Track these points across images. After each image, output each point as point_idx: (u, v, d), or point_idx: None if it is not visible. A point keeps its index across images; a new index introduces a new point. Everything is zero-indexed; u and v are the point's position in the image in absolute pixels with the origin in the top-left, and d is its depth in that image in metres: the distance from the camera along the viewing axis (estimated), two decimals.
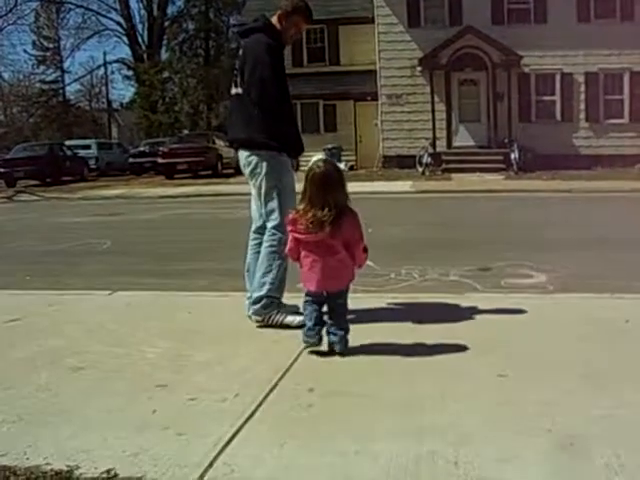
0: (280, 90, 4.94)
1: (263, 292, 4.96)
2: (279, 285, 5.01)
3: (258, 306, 4.97)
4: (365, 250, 4.34)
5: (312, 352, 4.31)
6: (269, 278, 4.96)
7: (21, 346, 4.71)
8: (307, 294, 4.39)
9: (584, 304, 5.40)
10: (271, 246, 4.97)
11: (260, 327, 4.96)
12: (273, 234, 4.97)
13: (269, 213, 5.03)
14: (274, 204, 4.99)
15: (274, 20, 5.14)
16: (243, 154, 5.09)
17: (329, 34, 32.30)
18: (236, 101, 5.14)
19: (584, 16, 26.61)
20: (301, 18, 5.17)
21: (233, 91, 5.16)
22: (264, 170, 4.98)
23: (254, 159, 5.01)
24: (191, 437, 3.15)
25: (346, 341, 4.33)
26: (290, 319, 4.90)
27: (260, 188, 5.04)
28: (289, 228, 4.37)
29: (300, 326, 4.54)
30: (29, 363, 4.32)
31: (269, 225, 5.02)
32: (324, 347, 4.34)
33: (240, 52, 5.20)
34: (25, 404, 3.62)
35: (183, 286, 7.07)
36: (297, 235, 4.30)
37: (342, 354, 4.27)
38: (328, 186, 4.20)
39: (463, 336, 4.56)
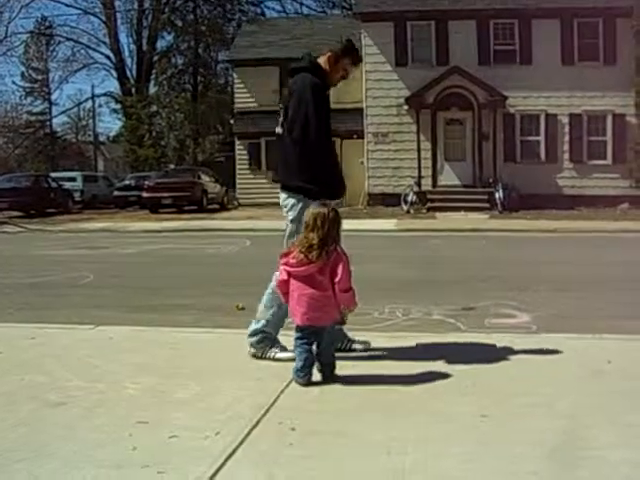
0: (322, 130, 4.95)
1: (259, 326, 5.05)
2: (276, 323, 5.07)
3: (253, 339, 5.07)
4: (346, 291, 4.44)
5: (295, 390, 4.32)
6: (268, 314, 5.05)
7: (1, 380, 4.66)
8: (296, 330, 4.54)
9: (567, 344, 5.40)
10: (274, 292, 5.03)
11: (253, 358, 5.05)
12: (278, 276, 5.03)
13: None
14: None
15: (322, 60, 5.18)
16: (281, 195, 5.14)
17: None
18: (278, 141, 5.21)
19: (568, 59, 27.02)
20: (350, 61, 5.23)
21: (276, 130, 5.21)
22: (293, 215, 5.01)
23: (289, 202, 5.05)
24: (171, 475, 3.12)
25: (330, 373, 4.51)
26: (281, 355, 4.98)
27: (286, 229, 5.09)
28: (282, 261, 4.54)
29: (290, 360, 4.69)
30: (9, 397, 4.28)
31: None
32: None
33: (286, 91, 5.24)
34: (2, 440, 3.57)
35: (166, 321, 7.03)
36: (288, 268, 4.49)
37: (327, 382, 4.44)
38: (323, 220, 4.43)
39: (446, 376, 4.57)
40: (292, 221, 5.00)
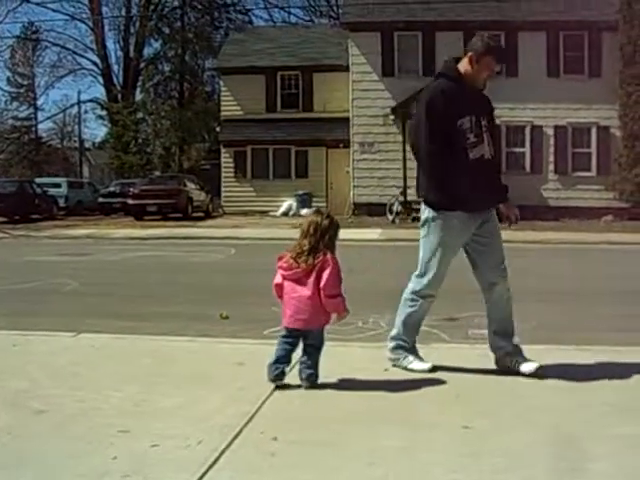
0: (440, 145, 4.83)
1: (393, 334, 5.13)
2: (407, 331, 5.09)
3: (390, 345, 5.13)
4: (332, 297, 4.47)
5: (277, 399, 4.30)
6: (398, 322, 5.12)
7: None
8: (284, 330, 4.60)
9: (550, 356, 5.41)
10: (405, 299, 5.17)
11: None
12: (412, 292, 5.16)
13: (418, 270, 5.15)
14: (420, 264, 5.14)
15: (464, 62, 5.01)
16: (420, 207, 5.19)
17: (303, 80, 32.73)
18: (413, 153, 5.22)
19: (554, 71, 27.24)
20: (493, 59, 5.03)
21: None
22: (425, 229, 5.07)
23: (422, 216, 5.12)
24: None
25: (313, 381, 4.51)
26: (414, 366, 4.98)
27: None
28: (278, 264, 4.63)
29: (426, 371, 4.86)
30: None
31: (415, 281, 5.16)
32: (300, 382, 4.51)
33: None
34: None
35: (149, 329, 6.98)
36: (282, 272, 4.59)
37: (310, 390, 4.46)
38: (315, 227, 4.54)
39: (429, 386, 4.57)
40: (424, 234, 5.09)
